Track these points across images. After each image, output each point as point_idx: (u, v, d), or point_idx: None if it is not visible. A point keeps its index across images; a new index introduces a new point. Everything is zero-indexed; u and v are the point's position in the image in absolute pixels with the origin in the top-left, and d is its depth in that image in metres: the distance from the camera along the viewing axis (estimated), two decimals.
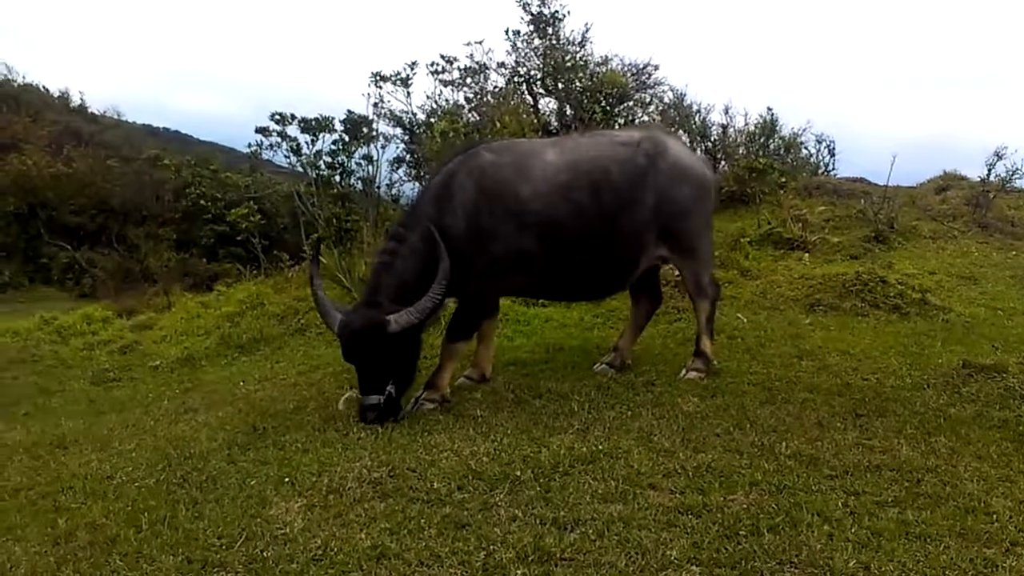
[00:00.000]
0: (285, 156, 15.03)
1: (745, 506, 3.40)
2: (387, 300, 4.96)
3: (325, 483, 3.83)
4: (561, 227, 5.36)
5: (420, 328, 5.01)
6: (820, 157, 16.47)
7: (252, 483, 3.93)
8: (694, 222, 5.83)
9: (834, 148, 16.41)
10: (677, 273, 6.25)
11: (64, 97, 32.38)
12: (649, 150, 5.66)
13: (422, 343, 5.27)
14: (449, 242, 5.07)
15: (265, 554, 3.14)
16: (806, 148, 16.37)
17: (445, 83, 15.05)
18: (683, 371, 5.79)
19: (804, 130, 16.11)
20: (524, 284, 5.70)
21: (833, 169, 16.18)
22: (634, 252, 5.68)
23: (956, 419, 4.61)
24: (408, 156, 15.59)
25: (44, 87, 32.33)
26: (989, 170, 12.70)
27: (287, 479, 3.93)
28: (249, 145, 15.47)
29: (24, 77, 31.35)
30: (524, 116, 12.98)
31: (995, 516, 3.28)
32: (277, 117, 14.70)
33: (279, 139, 14.81)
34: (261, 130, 14.82)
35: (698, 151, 15.53)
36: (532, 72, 14.79)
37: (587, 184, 5.42)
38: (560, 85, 14.35)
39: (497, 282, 5.45)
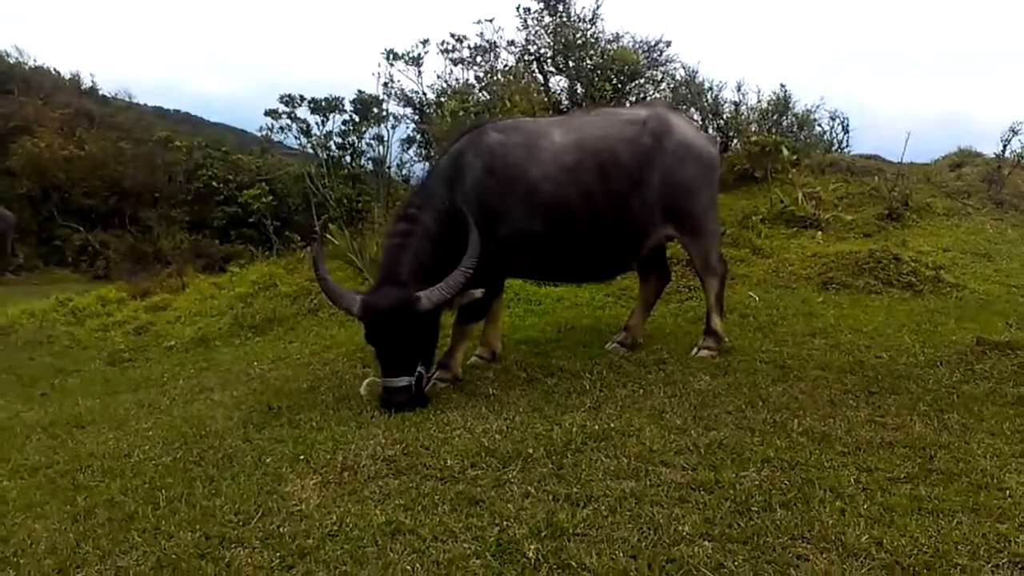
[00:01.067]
0: (296, 138, 15.08)
1: (757, 482, 3.41)
2: (410, 279, 4.85)
3: (340, 460, 3.86)
4: (569, 208, 5.33)
5: (444, 306, 4.89)
6: (834, 134, 16.31)
7: (268, 461, 3.97)
8: (700, 201, 5.80)
9: (848, 125, 16.23)
10: (686, 252, 6.23)
11: (75, 79, 32.36)
12: (655, 129, 5.62)
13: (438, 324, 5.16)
14: (459, 223, 5.02)
15: (281, 530, 3.18)
16: (819, 125, 16.20)
17: (455, 62, 15.01)
18: (694, 349, 5.80)
19: (817, 107, 15.95)
20: (530, 265, 5.66)
21: (847, 146, 16.03)
22: (640, 232, 5.66)
23: (969, 396, 4.60)
24: (418, 136, 15.58)
25: (55, 70, 32.29)
26: (1004, 146, 12.57)
27: (302, 457, 3.96)
28: (260, 129, 15.53)
29: (35, 60, 31.35)
30: (535, 95, 12.93)
31: (1008, 492, 3.27)
32: (286, 99, 14.72)
33: (289, 121, 14.84)
34: (271, 112, 14.86)
35: (710, 128, 15.45)
36: (543, 50, 14.71)
37: (595, 165, 5.39)
38: (571, 63, 14.27)
39: (505, 263, 5.41)
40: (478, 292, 4.96)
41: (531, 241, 5.31)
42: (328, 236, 9.96)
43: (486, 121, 5.95)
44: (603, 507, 3.22)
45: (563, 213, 5.32)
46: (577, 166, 5.34)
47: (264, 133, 15.70)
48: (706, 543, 2.93)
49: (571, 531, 3.03)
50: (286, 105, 14.84)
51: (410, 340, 4.75)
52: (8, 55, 29.69)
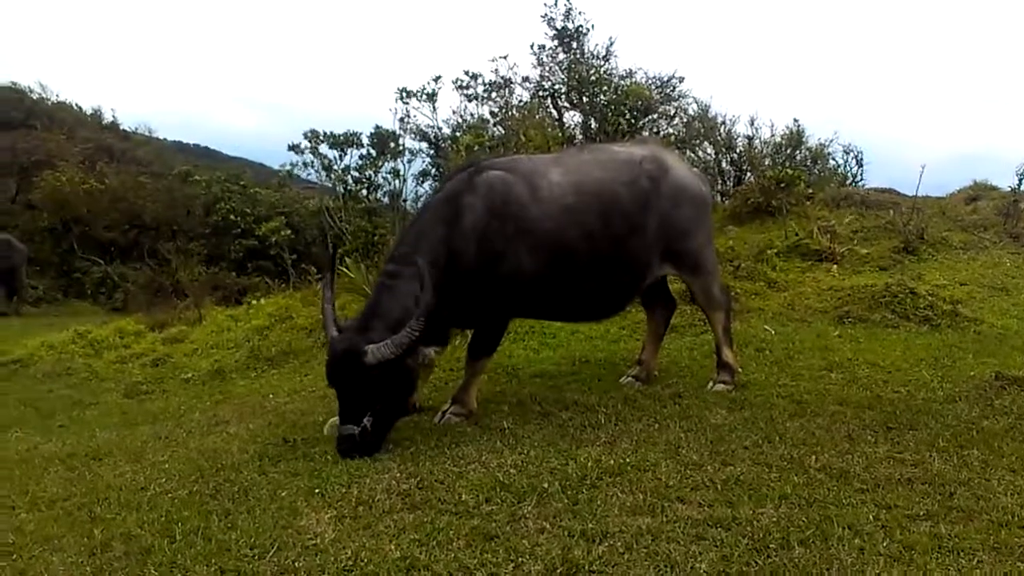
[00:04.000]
0: (316, 172, 15.25)
1: (775, 519, 3.38)
2: (383, 326, 4.63)
3: (355, 494, 3.86)
4: (570, 248, 5.28)
5: (402, 362, 4.57)
6: (848, 168, 16.37)
7: (283, 494, 3.98)
8: (696, 240, 5.84)
9: (862, 159, 16.31)
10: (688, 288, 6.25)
11: (97, 115, 33.03)
12: (651, 171, 5.63)
13: (412, 376, 4.82)
14: (459, 266, 4.97)
15: (297, 564, 3.18)
16: (833, 159, 16.29)
17: (470, 98, 15.18)
18: (710, 384, 5.78)
19: (831, 141, 16.05)
20: (529, 305, 5.52)
21: (861, 180, 16.07)
22: (639, 272, 5.67)
23: (989, 432, 4.55)
24: (434, 170, 15.72)
25: (77, 105, 33.07)
26: (1020, 180, 12.57)
27: (317, 490, 3.97)
28: (282, 165, 15.72)
29: (58, 95, 32.10)
30: (549, 130, 13.05)
31: None
32: (310, 134, 14.91)
33: (311, 156, 15.02)
34: (294, 147, 15.05)
35: (724, 162, 15.52)
36: (557, 86, 14.89)
37: (596, 207, 5.36)
38: (585, 99, 14.42)
39: (509, 304, 5.33)
40: (431, 352, 4.80)
41: (532, 281, 5.21)
42: (344, 269, 10.01)
43: (480, 160, 5.81)
44: (619, 544, 3.20)
45: (564, 253, 5.26)
46: (578, 207, 5.29)
47: (286, 168, 15.88)
48: None
49: (587, 568, 3.01)
50: (309, 140, 15.04)
51: (356, 390, 4.54)
52: (32, 91, 30.43)
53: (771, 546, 3.13)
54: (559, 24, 15.08)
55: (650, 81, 15.31)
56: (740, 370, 5.91)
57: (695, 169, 7.06)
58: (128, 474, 4.71)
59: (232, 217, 20.36)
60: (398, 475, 4.09)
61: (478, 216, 5.06)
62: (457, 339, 6.24)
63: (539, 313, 6.08)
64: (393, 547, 3.27)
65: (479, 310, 5.23)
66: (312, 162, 15.05)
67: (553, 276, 5.27)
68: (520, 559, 3.10)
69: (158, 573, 3.21)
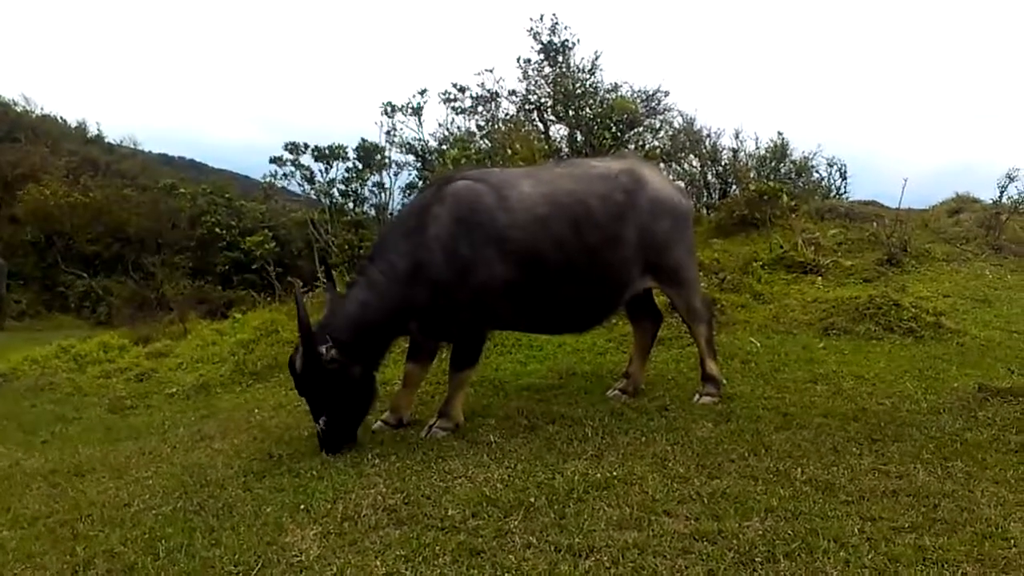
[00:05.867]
0: (299, 185, 15.27)
1: (761, 532, 3.39)
2: (336, 333, 4.91)
3: (340, 510, 3.85)
4: (542, 257, 5.27)
5: (332, 368, 4.85)
6: (832, 180, 16.54)
7: (268, 510, 3.95)
8: (677, 253, 5.86)
9: (846, 171, 16.48)
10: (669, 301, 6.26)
11: (82, 127, 32.96)
12: (627, 185, 5.64)
13: (364, 382, 5.06)
14: (428, 277, 5.04)
15: None
16: (817, 172, 16.46)
17: (457, 111, 15.23)
18: (696, 396, 5.79)
19: (815, 154, 16.21)
20: (509, 315, 5.50)
21: (845, 192, 16.23)
22: (619, 285, 5.68)
23: (973, 443, 4.58)
24: (420, 183, 15.75)
25: (62, 118, 32.95)
26: (1002, 192, 12.71)
27: (302, 506, 3.95)
28: (264, 176, 15.74)
29: (42, 108, 31.97)
30: (535, 143, 13.10)
31: (1013, 541, 3.25)
32: (291, 147, 14.92)
33: (293, 168, 15.02)
34: (275, 160, 15.06)
35: (709, 175, 15.62)
36: (543, 99, 14.96)
37: (567, 218, 5.35)
38: (571, 112, 14.50)
39: (484, 312, 5.31)
40: (355, 370, 4.97)
41: (505, 290, 5.21)
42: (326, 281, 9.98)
43: (451, 174, 5.88)
44: (605, 558, 3.20)
45: (535, 262, 5.25)
46: (549, 217, 5.29)
47: (267, 180, 15.88)
48: None
49: None
50: (290, 152, 15.05)
51: (306, 393, 4.98)
52: (16, 103, 30.32)
53: (757, 559, 3.14)
54: (545, 38, 15.16)
55: (635, 95, 15.41)
56: (725, 382, 5.93)
57: (676, 182, 7.10)
58: (111, 490, 4.67)
59: (217, 230, 20.26)
60: (384, 490, 4.07)
61: (443, 225, 5.11)
62: (444, 352, 6.23)
63: (516, 324, 6.03)
64: (379, 563, 3.25)
65: (454, 321, 5.24)
66: (294, 173, 15.07)
67: (526, 285, 5.27)
68: (506, 575, 3.10)
69: None
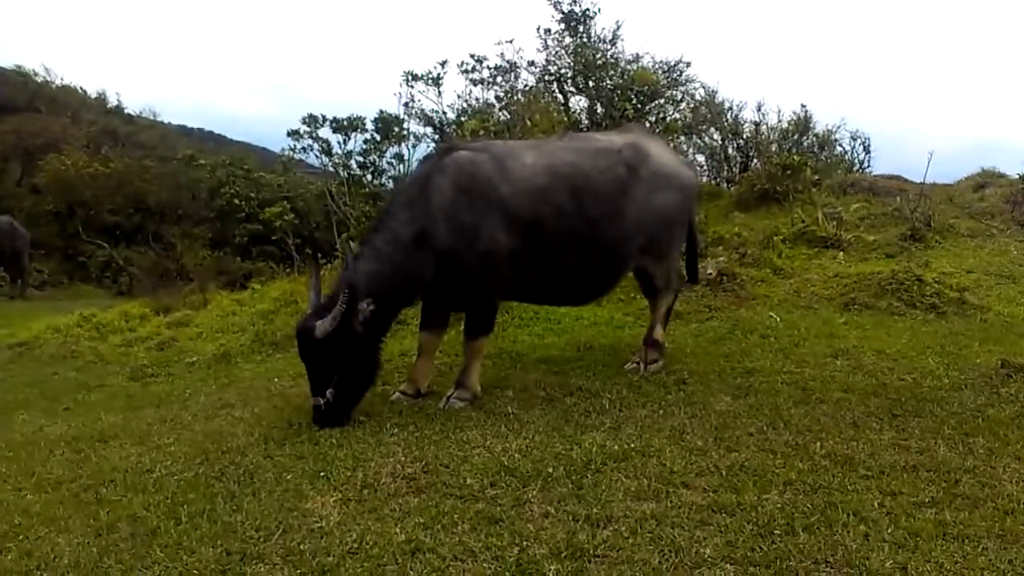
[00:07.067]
0: (317, 157, 15.24)
1: (779, 505, 3.38)
2: (333, 303, 4.83)
3: (360, 478, 3.88)
4: (544, 226, 5.31)
5: (352, 335, 4.80)
6: (855, 154, 16.30)
7: (288, 477, 3.99)
8: (675, 229, 5.93)
9: (869, 145, 16.23)
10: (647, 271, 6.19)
11: (101, 98, 32.93)
12: (629, 159, 5.64)
13: (373, 353, 5.06)
14: (433, 246, 5.06)
15: (302, 547, 3.19)
16: (840, 145, 16.21)
17: (475, 82, 15.07)
18: (636, 364, 5.91)
19: (839, 127, 15.96)
20: (513, 284, 5.51)
21: (868, 166, 15.99)
22: (620, 258, 5.73)
23: (995, 420, 4.54)
24: None
25: (82, 88, 32.92)
26: None
27: (322, 474, 3.98)
28: (282, 150, 15.72)
29: (62, 79, 31.99)
30: (555, 114, 12.97)
31: None
32: (309, 119, 14.87)
33: (311, 141, 14.98)
34: (293, 133, 15.01)
35: (730, 148, 15.44)
36: (563, 70, 14.75)
37: (566, 188, 5.38)
38: (591, 83, 14.29)
39: (493, 277, 5.32)
40: (366, 305, 4.89)
41: (508, 258, 5.25)
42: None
43: (455, 144, 5.91)
44: (623, 528, 3.21)
45: (537, 230, 5.29)
46: (549, 187, 5.33)
47: (286, 153, 15.86)
48: (728, 566, 2.91)
49: (591, 552, 3.02)
50: (308, 125, 15.00)
51: (314, 364, 4.89)
52: (36, 74, 30.32)
53: (775, 532, 3.14)
54: (566, 7, 14.91)
55: (657, 66, 15.16)
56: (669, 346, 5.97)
57: (681, 156, 7.05)
58: (134, 456, 4.73)
59: (236, 201, 20.33)
60: (403, 459, 4.10)
61: (445, 194, 5.16)
62: (460, 325, 6.23)
63: (521, 294, 6.00)
64: (398, 530, 3.28)
65: (464, 289, 5.28)
66: (312, 146, 15.04)
67: (529, 253, 5.31)
68: (525, 543, 3.11)
69: (164, 555, 3.23)
